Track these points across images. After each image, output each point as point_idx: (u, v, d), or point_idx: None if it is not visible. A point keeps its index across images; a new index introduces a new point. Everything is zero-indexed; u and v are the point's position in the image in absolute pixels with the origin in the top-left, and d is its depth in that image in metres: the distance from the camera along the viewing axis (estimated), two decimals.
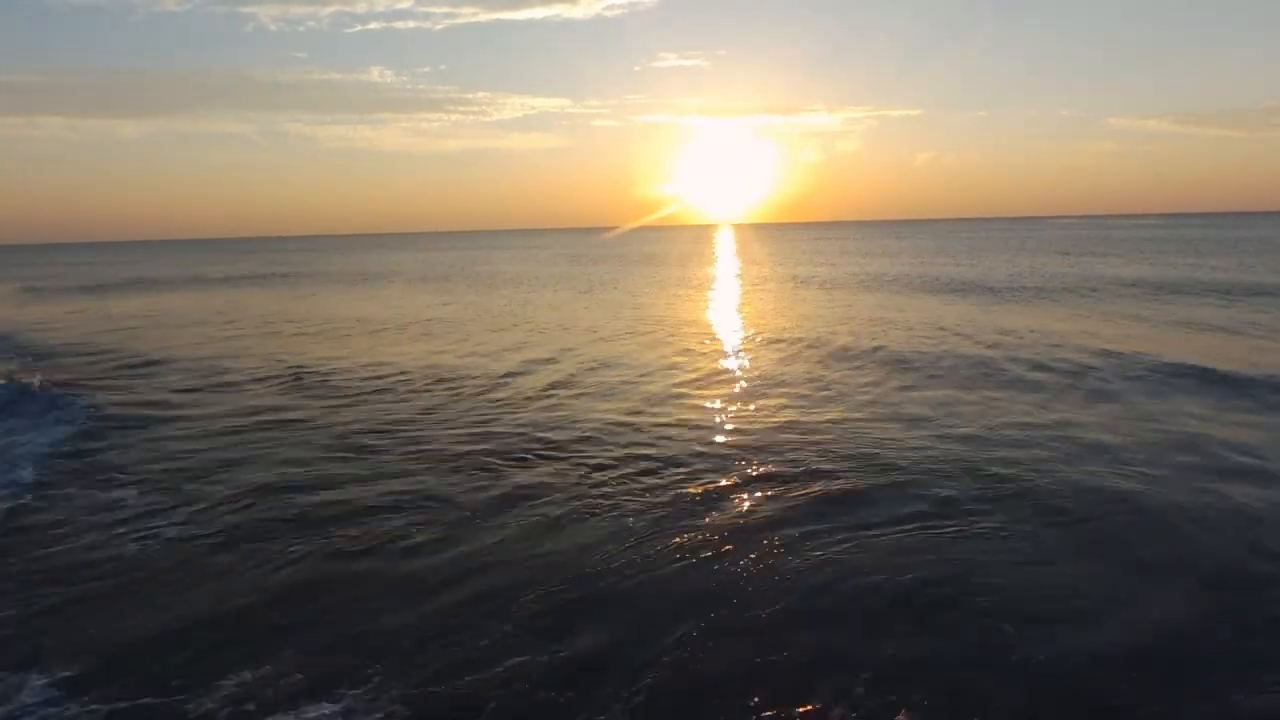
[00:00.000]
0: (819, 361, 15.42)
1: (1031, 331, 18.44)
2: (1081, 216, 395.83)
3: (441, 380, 14.33)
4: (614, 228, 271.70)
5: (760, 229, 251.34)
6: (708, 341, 18.40)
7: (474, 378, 14.51)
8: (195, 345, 19.79)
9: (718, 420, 11.23)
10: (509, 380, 14.25)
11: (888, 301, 26.17)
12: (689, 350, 17.19)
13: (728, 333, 20.10)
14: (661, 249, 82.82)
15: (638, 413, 11.68)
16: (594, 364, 15.77)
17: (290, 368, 15.97)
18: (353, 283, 44.36)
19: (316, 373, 15.32)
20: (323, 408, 12.35)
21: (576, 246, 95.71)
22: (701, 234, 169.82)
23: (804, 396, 12.45)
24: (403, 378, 14.69)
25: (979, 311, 22.84)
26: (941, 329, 19.26)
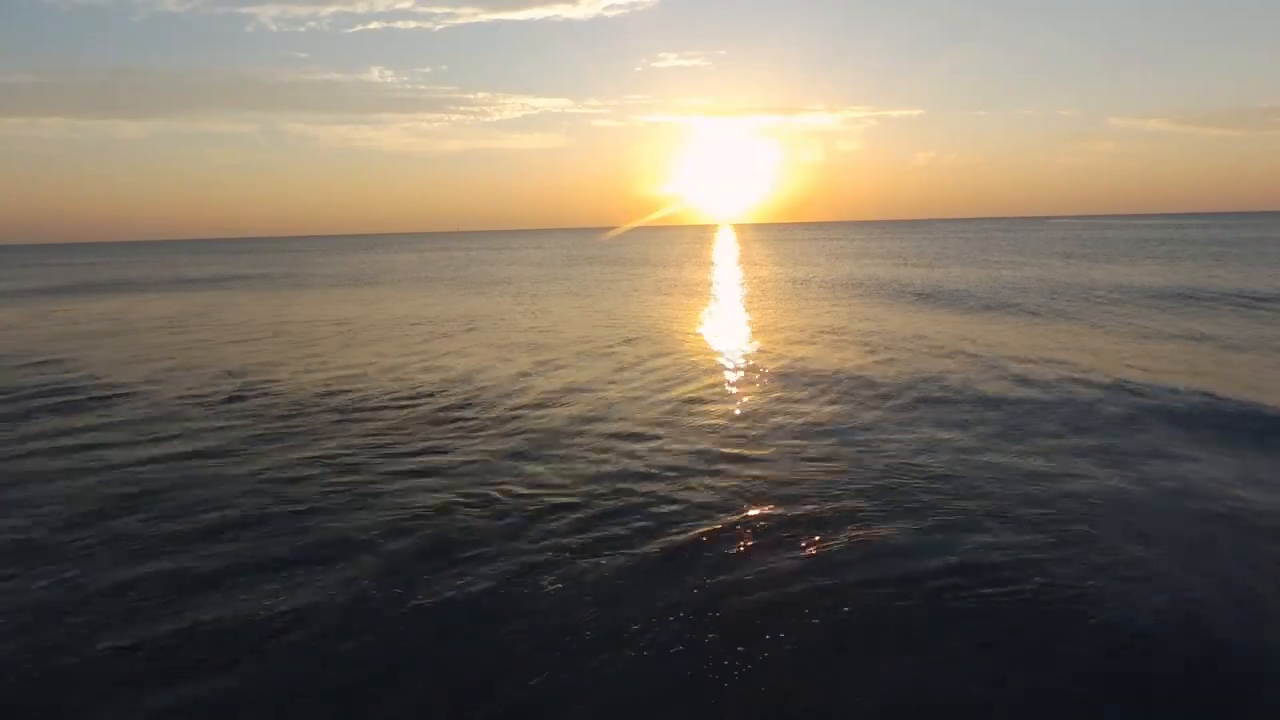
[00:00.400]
0: (803, 388, 13.17)
1: (1062, 352, 15.77)
2: (1081, 216, 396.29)
3: (386, 398, 13.06)
4: (614, 228, 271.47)
5: (760, 229, 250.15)
6: (691, 358, 16.42)
7: (431, 395, 13.22)
8: (147, 354, 18.53)
9: (672, 460, 9.90)
10: (469, 397, 12.98)
11: (890, 313, 23.67)
12: (666, 368, 15.82)
13: (715, 348, 18.08)
14: (660, 250, 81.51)
15: (589, 446, 10.40)
16: (563, 382, 14.45)
17: (229, 376, 14.72)
18: (341, 285, 43.08)
19: (257, 388, 14.04)
20: (241, 438, 11.05)
21: (575, 247, 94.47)
22: (702, 234, 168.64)
23: (782, 434, 10.76)
24: (347, 394, 13.41)
25: (989, 328, 20.61)
26: (949, 350, 16.44)
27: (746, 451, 9.51)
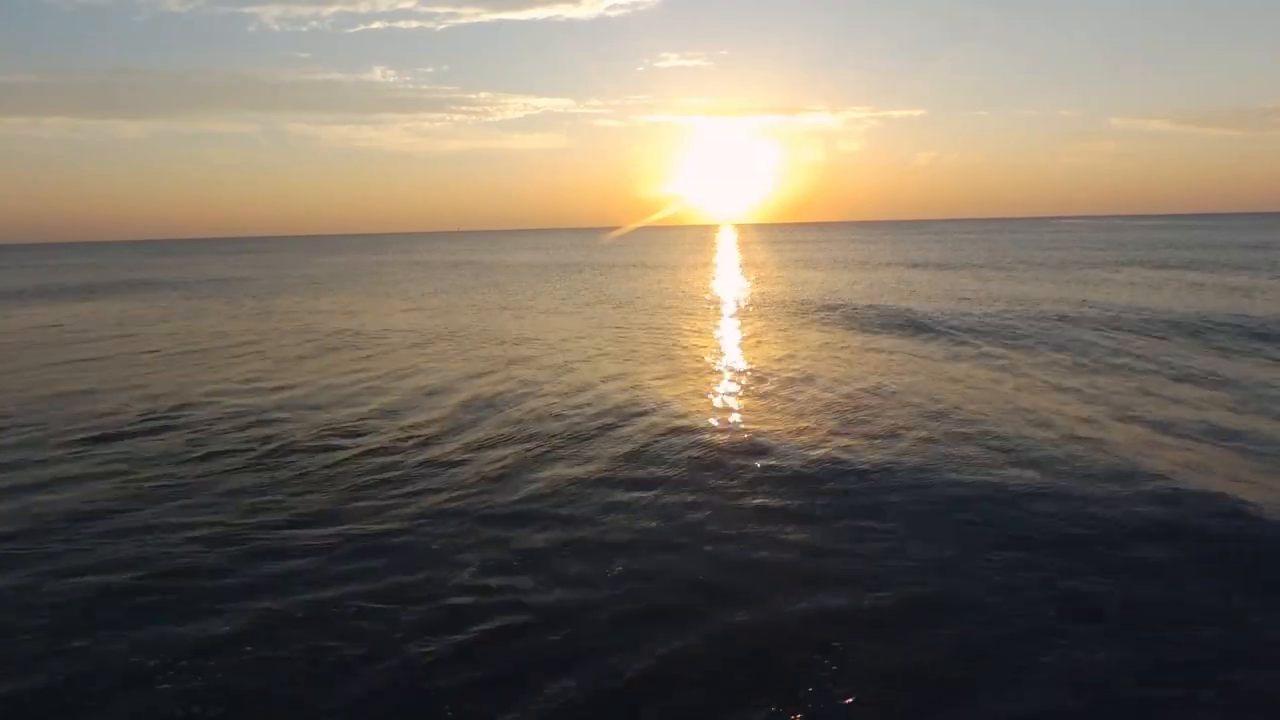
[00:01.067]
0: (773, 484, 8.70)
1: (1120, 430, 10.34)
2: (1084, 217, 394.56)
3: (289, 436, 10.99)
4: (616, 228, 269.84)
5: (762, 229, 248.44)
6: (663, 404, 13.30)
7: (347, 431, 11.17)
8: (66, 373, 16.50)
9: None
10: (371, 433, 10.93)
11: (902, 354, 16.73)
12: (633, 419, 13.72)
13: (697, 392, 13.62)
14: (660, 253, 79.39)
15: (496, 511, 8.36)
16: (493, 423, 12.40)
17: (138, 415, 12.64)
18: (318, 288, 41.06)
19: (145, 422, 11.99)
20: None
21: (573, 250, 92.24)
22: (703, 235, 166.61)
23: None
24: (228, 424, 11.35)
25: (1029, 388, 13.21)
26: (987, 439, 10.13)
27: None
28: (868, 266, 47.83)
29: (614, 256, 71.13)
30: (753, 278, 42.04)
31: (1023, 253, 57.84)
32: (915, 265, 47.03)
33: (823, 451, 9.69)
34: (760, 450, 9.84)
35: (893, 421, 11.03)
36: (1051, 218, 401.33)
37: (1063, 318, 21.67)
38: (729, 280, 41.11)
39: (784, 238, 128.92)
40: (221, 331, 23.41)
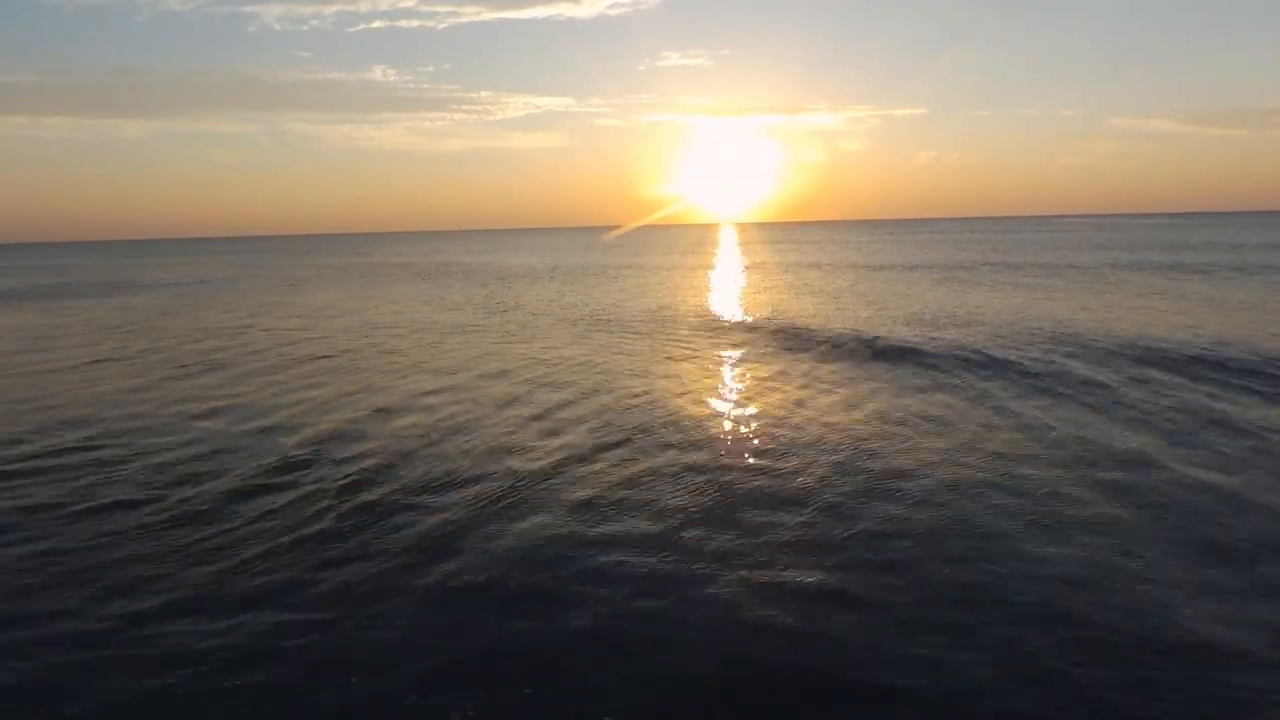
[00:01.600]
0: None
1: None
2: (1086, 216, 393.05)
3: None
4: (617, 227, 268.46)
5: (764, 228, 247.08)
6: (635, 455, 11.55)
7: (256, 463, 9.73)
8: None
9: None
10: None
11: (931, 414, 11.96)
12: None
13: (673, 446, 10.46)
14: (660, 253, 77.75)
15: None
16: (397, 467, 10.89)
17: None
18: (299, 289, 39.65)
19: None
20: None
21: (571, 250, 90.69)
22: (704, 234, 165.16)
23: None
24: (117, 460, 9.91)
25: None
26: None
27: None
28: (869, 269, 46.28)
29: (612, 257, 69.74)
30: (750, 284, 40.48)
31: (1029, 254, 56.30)
32: (918, 267, 45.52)
33: (814, 477, 8.25)
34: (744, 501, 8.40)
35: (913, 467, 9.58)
36: (1053, 216, 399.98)
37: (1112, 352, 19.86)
38: (724, 287, 39.51)
39: (785, 237, 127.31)
40: (181, 339, 21.92)
